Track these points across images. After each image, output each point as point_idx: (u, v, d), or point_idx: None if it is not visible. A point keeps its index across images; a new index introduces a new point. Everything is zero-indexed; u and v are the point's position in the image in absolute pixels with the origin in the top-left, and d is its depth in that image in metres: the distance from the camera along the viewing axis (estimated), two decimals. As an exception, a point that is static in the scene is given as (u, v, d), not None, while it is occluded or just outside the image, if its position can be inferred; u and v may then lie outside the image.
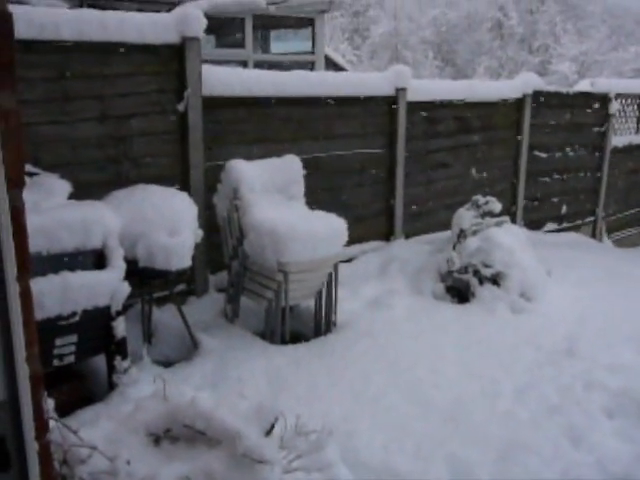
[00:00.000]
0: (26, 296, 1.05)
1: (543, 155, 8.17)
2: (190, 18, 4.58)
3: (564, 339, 4.64)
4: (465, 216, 5.48)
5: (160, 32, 4.52)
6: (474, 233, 5.41)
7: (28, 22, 3.91)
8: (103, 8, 6.52)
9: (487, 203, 5.55)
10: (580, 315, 5.13)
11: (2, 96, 0.97)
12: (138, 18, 4.45)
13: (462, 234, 5.44)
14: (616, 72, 37.20)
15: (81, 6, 6.48)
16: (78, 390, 3.69)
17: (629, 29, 52.45)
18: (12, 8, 3.44)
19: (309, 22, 8.85)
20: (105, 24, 4.24)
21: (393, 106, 6.21)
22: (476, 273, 5.31)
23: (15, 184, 1.00)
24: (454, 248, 5.45)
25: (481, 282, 5.29)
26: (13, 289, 1.01)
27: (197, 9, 5.89)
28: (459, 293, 5.37)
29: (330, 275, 4.62)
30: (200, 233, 4.19)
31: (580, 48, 40.73)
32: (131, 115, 4.51)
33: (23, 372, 1.05)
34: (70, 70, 4.18)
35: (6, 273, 1.02)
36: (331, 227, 4.44)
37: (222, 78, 4.94)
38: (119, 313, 3.63)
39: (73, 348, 3.49)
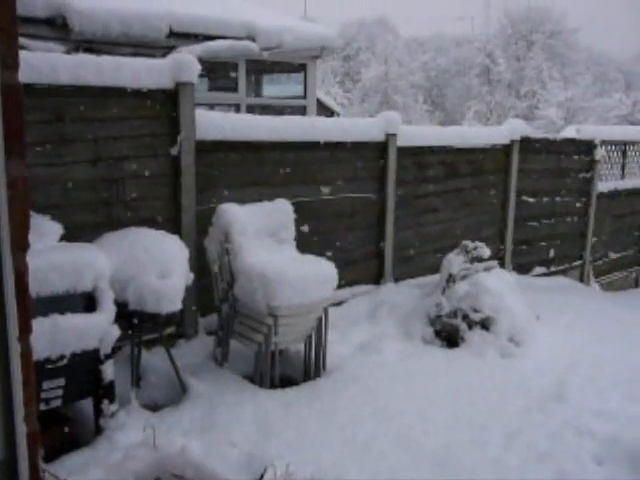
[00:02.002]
0: (27, 356, 1.06)
1: (531, 200, 8.27)
2: (185, 64, 4.66)
3: (553, 384, 4.65)
4: (454, 261, 5.52)
5: (155, 77, 4.59)
6: (463, 278, 5.45)
7: (26, 66, 3.96)
8: (98, 52, 6.66)
9: (476, 248, 5.60)
10: (569, 360, 5.14)
11: (11, 164, 0.99)
12: (133, 63, 4.52)
13: (451, 279, 5.47)
14: (601, 118, 37.88)
15: (77, 50, 6.58)
16: (64, 434, 3.64)
17: (612, 76, 53.64)
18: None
19: (301, 67, 9.01)
20: (101, 69, 4.31)
21: (383, 151, 6.29)
22: (465, 318, 5.33)
23: (20, 247, 1.02)
24: (443, 292, 5.48)
25: (470, 327, 5.31)
26: (14, 349, 1.02)
27: (191, 55, 6.00)
28: (448, 337, 5.38)
29: (320, 319, 4.63)
30: (191, 276, 4.20)
31: (566, 94, 41.48)
32: (124, 158, 4.55)
33: (21, 430, 1.05)
34: (66, 113, 4.23)
35: (8, 333, 1.03)
36: (321, 271, 4.46)
37: (215, 122, 5.01)
38: (108, 356, 3.60)
39: (60, 392, 3.46)
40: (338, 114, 20.90)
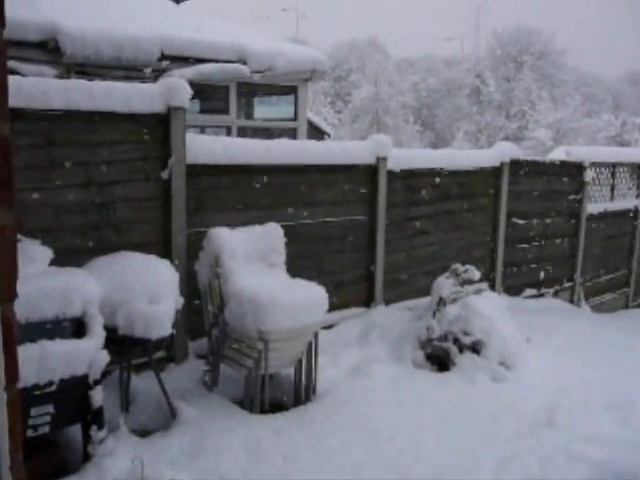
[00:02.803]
0: (14, 405, 1.05)
1: (521, 222, 8.31)
2: (176, 89, 4.67)
3: (545, 409, 4.64)
4: (444, 284, 5.53)
5: (146, 102, 4.61)
6: (454, 301, 5.45)
7: (17, 91, 3.97)
8: (90, 75, 6.69)
9: (466, 271, 5.61)
10: (560, 384, 5.14)
11: None
12: (125, 88, 4.54)
13: (442, 302, 5.48)
14: (590, 139, 38.23)
15: (69, 72, 6.60)
16: (51, 460, 3.61)
17: (601, 97, 54.21)
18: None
19: (292, 89, 9.07)
20: (93, 93, 4.31)
21: (374, 175, 6.32)
22: (456, 341, 5.33)
23: (7, 297, 1.02)
24: (434, 316, 5.48)
25: (461, 350, 5.30)
26: (1, 398, 1.01)
27: (183, 78, 6.03)
28: (439, 361, 5.38)
29: (310, 343, 4.62)
30: (181, 300, 4.18)
31: (555, 115, 41.87)
32: (115, 182, 4.55)
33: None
34: (57, 137, 4.23)
35: None
36: (312, 295, 4.46)
37: (206, 146, 5.02)
38: (97, 382, 3.58)
39: (48, 418, 3.43)
40: (329, 135, 21.00)
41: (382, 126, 41.46)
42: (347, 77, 53.17)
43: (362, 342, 5.73)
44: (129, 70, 7.04)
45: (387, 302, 6.64)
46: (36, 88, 4.04)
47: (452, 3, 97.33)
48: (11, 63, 6.12)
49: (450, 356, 5.31)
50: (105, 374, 3.98)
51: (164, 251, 4.76)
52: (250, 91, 9.27)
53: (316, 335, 4.61)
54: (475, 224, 7.68)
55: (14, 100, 3.98)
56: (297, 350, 4.59)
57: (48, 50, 6.42)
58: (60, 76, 6.39)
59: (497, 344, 5.28)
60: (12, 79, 4.05)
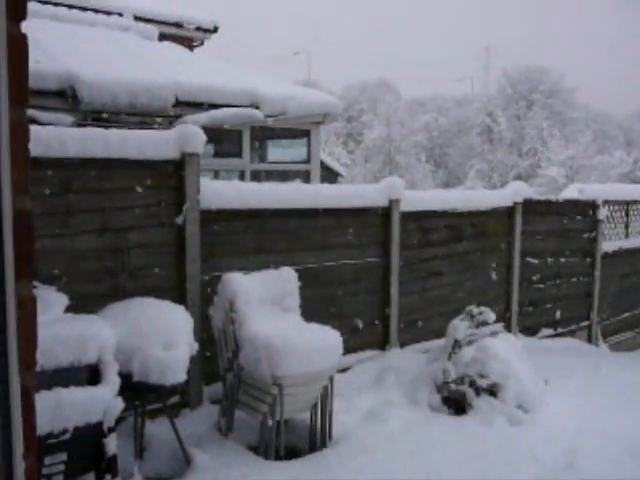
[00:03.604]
0: (31, 474, 1.05)
1: (535, 261, 8.28)
2: (190, 136, 4.74)
3: (564, 453, 4.56)
4: (459, 326, 5.50)
5: (161, 148, 4.67)
6: (469, 344, 5.41)
7: (36, 140, 4.05)
8: (106, 121, 6.80)
9: (481, 313, 5.58)
10: (580, 427, 5.06)
11: (20, 285, 1.01)
12: (139, 135, 4.61)
13: (457, 344, 5.44)
14: (603, 176, 38.20)
15: (86, 119, 6.71)
16: (65, 511, 3.57)
17: (612, 134, 54.32)
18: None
19: (305, 133, 9.16)
20: (108, 141, 4.39)
21: (387, 217, 6.34)
22: (472, 384, 5.27)
23: (27, 366, 1.03)
24: (449, 359, 5.44)
25: (478, 393, 5.24)
26: (19, 466, 1.01)
27: (197, 124, 6.13)
28: (456, 404, 5.31)
29: (326, 388, 4.58)
30: (195, 346, 4.18)
31: (567, 152, 41.95)
32: (130, 228, 4.59)
33: None
34: (73, 185, 4.30)
35: (14, 452, 1.02)
36: (326, 339, 4.44)
37: (220, 191, 5.07)
38: (111, 429, 3.56)
39: (62, 467, 3.41)
40: (342, 175, 21.16)
41: (395, 166, 41.70)
42: (359, 117, 53.70)
43: (378, 385, 5.68)
44: (144, 116, 7.16)
45: (402, 344, 6.60)
46: (54, 137, 4.12)
47: (460, 45, 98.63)
48: (30, 112, 6.22)
49: (467, 399, 5.24)
50: (119, 420, 3.96)
51: (179, 296, 4.77)
52: (263, 135, 9.37)
53: (331, 379, 4.58)
54: (489, 264, 7.65)
55: (33, 149, 4.04)
56: (312, 395, 4.55)
57: (66, 98, 6.55)
58: (77, 123, 6.51)
59: (514, 387, 5.21)
60: (31, 129, 4.13)
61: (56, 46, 7.22)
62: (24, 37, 1.20)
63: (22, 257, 1.04)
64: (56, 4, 9.17)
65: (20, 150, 1.13)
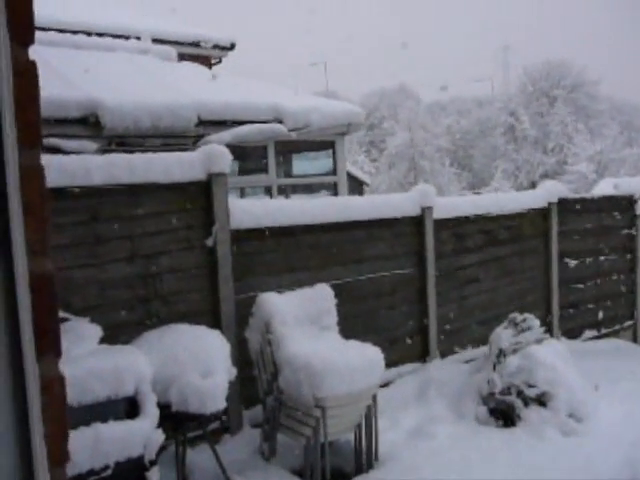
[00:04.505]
0: None
1: (574, 261, 8.05)
2: (215, 155, 4.65)
3: (624, 464, 4.35)
4: (503, 335, 5.31)
5: (186, 170, 4.59)
6: (514, 352, 5.22)
7: (61, 170, 4.00)
8: (130, 145, 6.76)
9: (524, 320, 5.39)
10: (636, 435, 4.83)
11: (43, 364, 0.89)
12: (164, 158, 4.54)
13: (501, 354, 5.25)
14: (634, 168, 37.52)
15: (109, 144, 6.68)
16: None
17: (639, 125, 53.37)
18: (45, 158, 3.51)
19: (330, 144, 9.05)
20: (133, 166, 4.32)
21: (420, 225, 6.20)
22: (520, 394, 5.08)
23: (58, 462, 0.90)
24: (494, 368, 5.25)
25: (526, 403, 5.05)
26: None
27: (221, 142, 6.06)
28: (504, 416, 5.12)
29: (369, 407, 4.44)
30: (233, 371, 4.08)
31: (594, 147, 41.26)
32: (160, 253, 4.51)
33: None
34: (100, 213, 4.23)
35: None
36: (367, 357, 4.30)
37: (249, 210, 4.98)
38: (153, 462, 3.46)
39: (106, 504, 3.32)
40: (367, 184, 21.02)
41: (419, 171, 41.42)
42: (380, 125, 53.53)
43: (420, 399, 5.51)
44: (167, 137, 7.11)
45: (442, 355, 6.43)
46: (78, 166, 4.06)
47: (478, 46, 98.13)
48: (53, 140, 6.22)
49: (515, 410, 5.05)
50: (160, 450, 3.86)
51: (213, 319, 4.68)
52: (288, 148, 9.29)
53: (374, 398, 4.43)
54: (526, 268, 7.45)
55: (58, 179, 4.02)
56: (356, 415, 4.41)
57: (89, 125, 6.51)
58: (101, 149, 6.47)
59: (564, 395, 5.01)
60: (56, 159, 4.08)
61: (76, 73, 7.20)
62: (33, 66, 1.07)
63: (44, 331, 0.91)
64: (74, 32, 9.20)
65: (35, 200, 0.97)
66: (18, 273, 0.89)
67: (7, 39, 0.99)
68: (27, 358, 0.86)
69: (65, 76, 7.06)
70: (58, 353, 0.93)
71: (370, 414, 4.47)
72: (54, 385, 0.89)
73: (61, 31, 9.03)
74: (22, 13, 1.02)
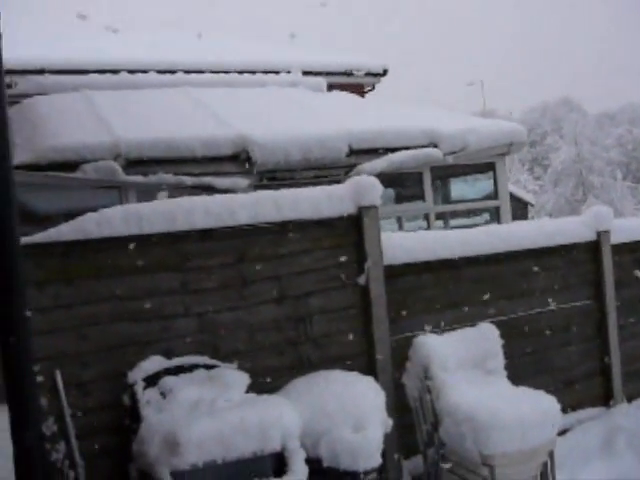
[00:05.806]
0: None
1: None
2: (365, 188, 4.37)
3: None
4: None
5: (335, 204, 4.35)
6: None
7: (206, 213, 3.90)
8: (281, 179, 6.68)
9: None
10: None
11: None
12: (311, 193, 4.33)
13: None
14: None
15: (260, 180, 6.63)
16: None
17: None
18: (190, 201, 3.34)
19: (489, 166, 8.50)
20: (279, 204, 4.14)
21: (596, 251, 5.54)
22: None
23: None
24: (696, 418, 4.49)
25: None
26: None
27: (373, 172, 5.79)
28: None
29: (545, 464, 3.90)
30: (390, 423, 3.76)
31: None
32: (309, 293, 4.28)
33: None
34: (247, 253, 4.09)
35: None
36: (541, 408, 3.79)
37: (403, 244, 4.63)
38: (303, 524, 3.20)
39: None
40: (532, 204, 19.96)
41: (588, 187, 39.02)
42: (542, 141, 51.37)
43: (606, 452, 4.83)
44: (318, 169, 6.95)
45: (629, 398, 5.66)
46: (223, 208, 3.95)
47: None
48: (207, 179, 6.26)
49: None
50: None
51: (367, 363, 4.36)
52: (445, 173, 8.84)
53: (551, 454, 3.89)
54: None
55: (204, 221, 3.93)
56: (529, 474, 3.89)
57: (240, 161, 6.51)
58: (252, 185, 6.43)
59: None
60: (200, 201, 3.98)
61: (228, 111, 7.28)
62: None
63: None
64: (227, 72, 9.43)
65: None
66: None
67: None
68: None
69: (218, 114, 7.15)
70: None
71: (546, 472, 3.93)
72: None
73: (215, 72, 9.30)
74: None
